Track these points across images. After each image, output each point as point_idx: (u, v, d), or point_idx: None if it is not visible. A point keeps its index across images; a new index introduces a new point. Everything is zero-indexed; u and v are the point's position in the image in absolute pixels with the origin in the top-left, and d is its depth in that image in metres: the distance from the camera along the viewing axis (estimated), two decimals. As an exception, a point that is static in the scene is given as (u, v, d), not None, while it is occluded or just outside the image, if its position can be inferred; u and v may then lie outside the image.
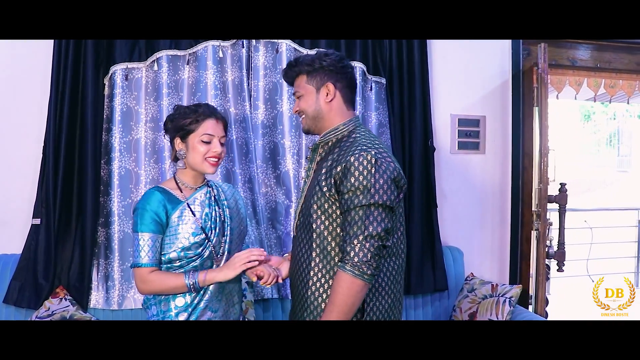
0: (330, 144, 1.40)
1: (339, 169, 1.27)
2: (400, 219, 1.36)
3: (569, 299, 4.71)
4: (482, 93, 2.56)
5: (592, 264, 4.70)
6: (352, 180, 1.24)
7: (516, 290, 2.10)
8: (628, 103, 3.03)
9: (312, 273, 1.33)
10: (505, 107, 2.58)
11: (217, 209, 1.53)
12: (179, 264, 1.46)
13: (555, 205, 2.53)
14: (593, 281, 4.61)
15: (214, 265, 1.49)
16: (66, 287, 2.03)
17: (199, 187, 1.54)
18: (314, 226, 1.32)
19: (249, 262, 1.42)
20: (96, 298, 2.07)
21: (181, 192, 1.51)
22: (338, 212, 1.29)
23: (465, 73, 2.53)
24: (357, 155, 1.25)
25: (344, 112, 1.41)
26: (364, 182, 1.23)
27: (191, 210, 1.48)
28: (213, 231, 1.49)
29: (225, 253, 1.51)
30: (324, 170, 1.32)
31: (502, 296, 2.08)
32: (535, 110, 2.54)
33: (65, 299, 2.00)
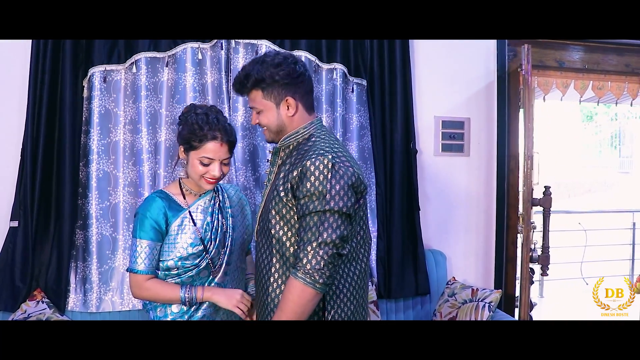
0: (291, 147, 1.37)
1: (295, 173, 1.24)
2: (360, 223, 1.34)
3: (563, 302, 4.67)
4: (466, 95, 2.54)
5: (587, 266, 4.66)
6: (308, 185, 1.21)
7: (496, 295, 2.07)
8: (616, 105, 3.00)
9: (272, 279, 1.31)
10: (490, 109, 2.56)
11: (219, 218, 1.51)
12: (177, 272, 1.46)
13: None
14: (587, 284, 4.59)
15: (211, 276, 1.49)
16: (44, 289, 2.02)
17: (204, 193, 1.52)
18: (273, 232, 1.30)
19: (244, 308, 1.44)
20: (74, 301, 2.06)
21: (184, 198, 1.49)
22: (296, 218, 1.27)
23: (450, 75, 2.51)
24: (313, 160, 1.23)
25: (305, 118, 1.38)
26: (320, 188, 1.20)
27: (192, 218, 1.46)
28: (213, 242, 1.48)
29: (224, 265, 1.50)
30: (282, 175, 1.30)
31: (481, 301, 2.05)
32: (521, 112, 2.52)
33: (43, 302, 1.99)
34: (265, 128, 1.40)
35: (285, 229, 1.29)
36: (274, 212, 1.29)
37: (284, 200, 1.27)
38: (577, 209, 7.66)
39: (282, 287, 1.29)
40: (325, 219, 1.20)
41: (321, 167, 1.21)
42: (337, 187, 1.21)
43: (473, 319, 2.00)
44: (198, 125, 1.42)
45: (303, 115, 1.37)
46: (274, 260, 1.31)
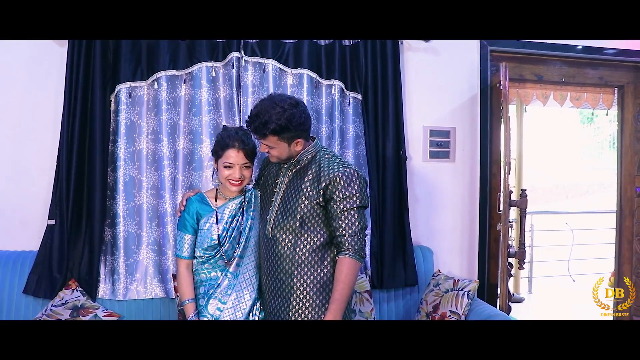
0: (301, 163, 1.74)
1: (328, 182, 1.64)
2: None
3: (551, 298, 4.91)
4: (452, 106, 2.79)
5: (574, 264, 4.90)
6: (343, 190, 1.63)
7: (474, 284, 2.33)
8: (593, 114, 3.24)
9: (296, 265, 1.67)
10: (474, 120, 2.82)
11: (240, 220, 1.85)
12: (202, 259, 1.83)
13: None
14: (574, 281, 4.83)
15: (226, 267, 1.82)
16: (77, 280, 2.29)
17: (233, 198, 1.86)
18: (302, 228, 1.66)
19: None
20: (104, 290, 2.33)
21: (215, 201, 1.86)
22: (321, 215, 1.67)
23: (437, 88, 2.76)
24: (342, 171, 1.65)
25: (307, 142, 1.76)
26: (353, 191, 1.64)
27: (217, 218, 1.82)
28: (228, 239, 1.82)
29: (236, 258, 1.83)
30: (308, 183, 1.67)
31: (461, 290, 2.32)
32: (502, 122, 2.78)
33: (77, 290, 2.27)
34: (274, 154, 1.73)
35: (313, 221, 1.68)
36: (302, 213, 1.67)
37: (313, 202, 1.66)
38: (573, 210, 7.87)
39: (306, 270, 1.67)
40: (359, 212, 1.65)
41: (350, 176, 1.65)
42: (363, 189, 1.67)
43: (454, 305, 2.27)
44: (221, 138, 1.82)
45: (306, 142, 1.75)
46: (297, 249, 1.67)
